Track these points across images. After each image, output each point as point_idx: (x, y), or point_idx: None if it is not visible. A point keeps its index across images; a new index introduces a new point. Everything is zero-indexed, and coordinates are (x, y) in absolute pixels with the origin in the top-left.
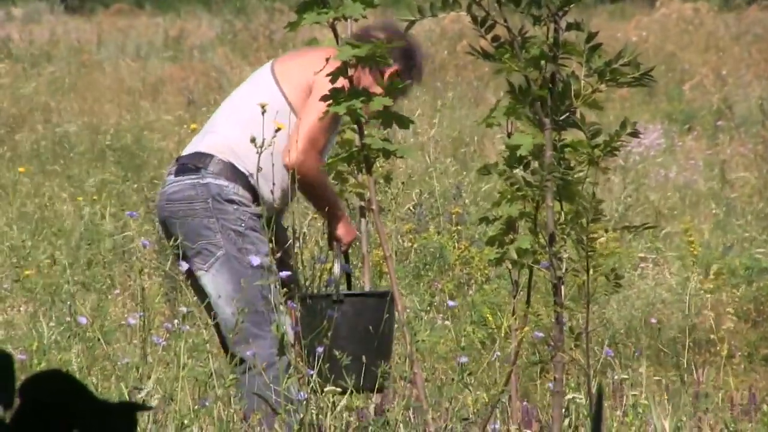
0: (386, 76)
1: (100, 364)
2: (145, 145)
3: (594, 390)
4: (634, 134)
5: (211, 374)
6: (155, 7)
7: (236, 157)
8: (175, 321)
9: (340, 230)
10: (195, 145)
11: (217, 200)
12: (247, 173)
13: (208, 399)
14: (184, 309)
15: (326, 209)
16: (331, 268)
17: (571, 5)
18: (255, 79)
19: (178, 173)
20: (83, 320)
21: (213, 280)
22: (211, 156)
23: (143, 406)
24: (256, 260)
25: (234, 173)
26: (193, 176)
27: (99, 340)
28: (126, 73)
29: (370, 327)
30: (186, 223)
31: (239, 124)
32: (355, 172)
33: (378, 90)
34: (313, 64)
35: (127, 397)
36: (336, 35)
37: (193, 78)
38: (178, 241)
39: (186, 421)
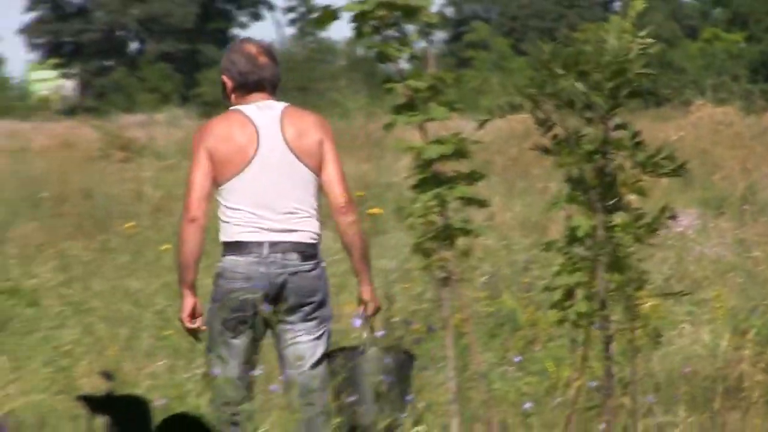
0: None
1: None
2: None
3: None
4: (672, 217)
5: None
6: None
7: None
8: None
9: (370, 294)
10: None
11: None
12: None
13: None
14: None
15: (366, 269)
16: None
17: (618, 109)
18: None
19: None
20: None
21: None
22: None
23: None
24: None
25: None
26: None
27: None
28: None
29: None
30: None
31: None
32: (439, 248)
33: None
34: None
35: None
36: (423, 133)
37: None
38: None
39: None
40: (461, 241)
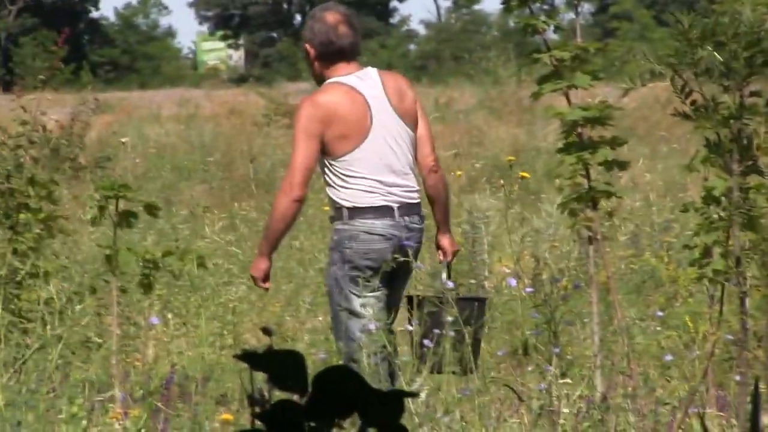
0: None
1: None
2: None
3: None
4: None
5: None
6: (430, 79)
7: None
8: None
9: (449, 241)
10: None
11: None
12: None
13: (468, 389)
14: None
15: (447, 219)
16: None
17: (753, 77)
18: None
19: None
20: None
21: None
22: None
23: (410, 393)
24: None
25: None
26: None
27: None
28: None
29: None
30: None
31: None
32: (584, 208)
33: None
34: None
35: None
36: (569, 100)
37: (458, 135)
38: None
39: (450, 407)
40: (605, 203)
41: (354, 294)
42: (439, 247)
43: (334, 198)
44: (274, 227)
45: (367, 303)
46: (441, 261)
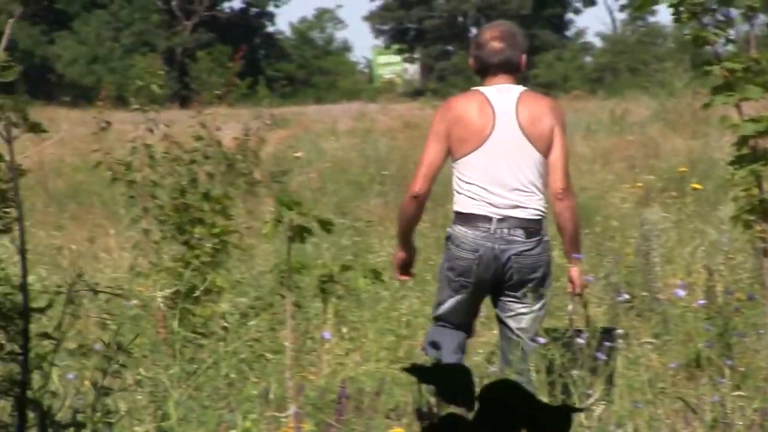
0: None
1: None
2: (597, 201)
3: None
4: None
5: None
6: (605, 91)
7: None
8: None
9: (577, 274)
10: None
11: None
12: None
13: (640, 402)
14: (621, 331)
15: (575, 251)
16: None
17: None
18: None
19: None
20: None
21: None
22: None
23: (577, 408)
24: None
25: None
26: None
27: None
28: (579, 145)
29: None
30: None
31: None
32: (758, 220)
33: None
34: (546, 116)
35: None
36: (740, 112)
37: (633, 148)
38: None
39: (622, 420)
40: None
41: (441, 290)
42: (569, 279)
43: (453, 200)
44: (398, 222)
45: (443, 302)
46: (569, 293)
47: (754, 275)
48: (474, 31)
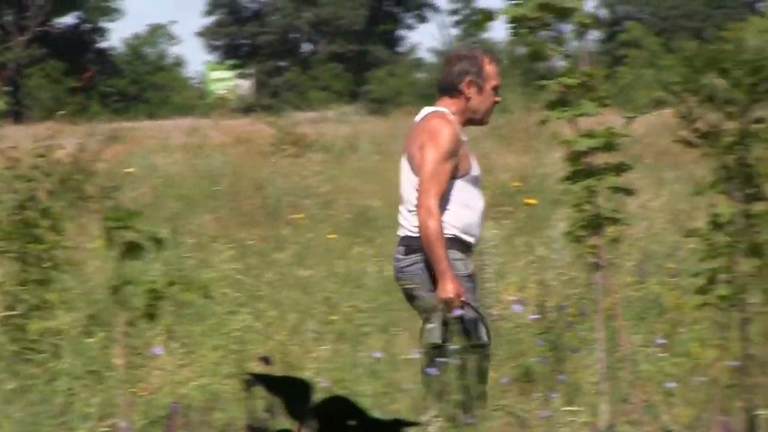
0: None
1: (390, 389)
2: None
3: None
4: None
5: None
6: None
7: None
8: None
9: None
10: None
11: None
12: None
13: (473, 418)
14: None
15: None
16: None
17: (757, 104)
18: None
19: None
20: (377, 354)
21: None
22: None
23: (409, 423)
24: None
25: None
26: None
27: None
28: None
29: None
30: None
31: None
32: (590, 235)
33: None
34: (418, 136)
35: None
36: (575, 127)
37: None
38: None
39: None
40: (611, 229)
41: None
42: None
43: None
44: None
45: None
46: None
47: (585, 290)
48: (307, 47)
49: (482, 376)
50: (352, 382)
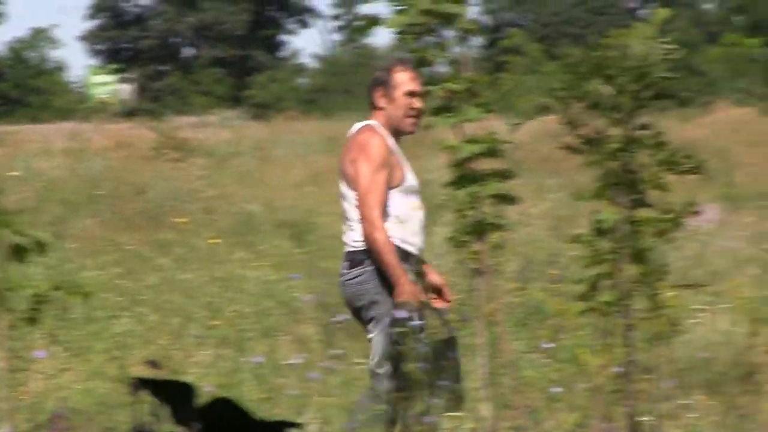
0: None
1: (272, 394)
2: (311, 221)
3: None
4: (695, 213)
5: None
6: (319, 113)
7: None
8: (328, 361)
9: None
10: None
11: None
12: None
13: (353, 422)
14: (337, 351)
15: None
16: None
17: (641, 110)
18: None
19: None
20: (260, 359)
21: None
22: None
23: (291, 424)
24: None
25: None
26: None
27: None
28: (295, 166)
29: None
30: None
31: None
32: (473, 241)
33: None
34: (349, 151)
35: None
36: (459, 134)
37: None
38: None
39: None
40: (494, 235)
41: None
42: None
43: None
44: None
45: None
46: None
47: (467, 296)
48: (189, 51)
49: (449, 373)
50: (235, 387)
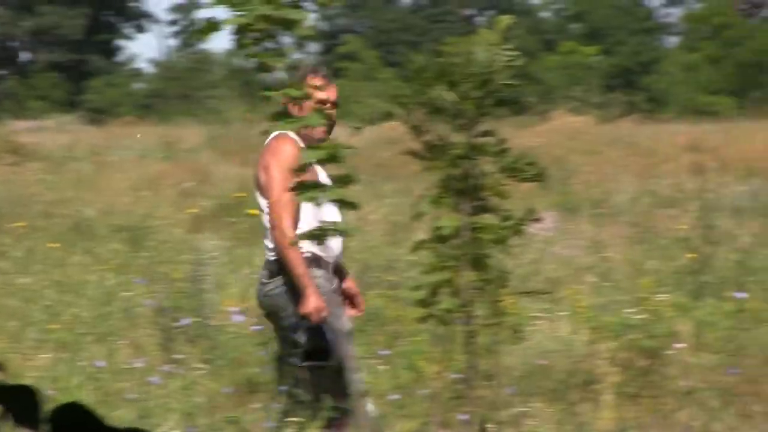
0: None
1: (112, 398)
2: (147, 225)
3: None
4: (536, 220)
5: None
6: (155, 118)
7: None
8: (167, 366)
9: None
10: None
11: None
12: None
13: (196, 427)
14: (177, 356)
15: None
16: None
17: (484, 117)
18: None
19: None
20: (100, 363)
21: None
22: None
23: (140, 431)
24: None
25: None
26: None
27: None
28: (131, 170)
29: None
30: None
31: None
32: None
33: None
34: (261, 158)
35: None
36: (300, 139)
37: (184, 174)
38: None
39: None
40: None
41: None
42: None
43: None
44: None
45: None
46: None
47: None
48: (25, 56)
49: (340, 388)
50: (74, 391)
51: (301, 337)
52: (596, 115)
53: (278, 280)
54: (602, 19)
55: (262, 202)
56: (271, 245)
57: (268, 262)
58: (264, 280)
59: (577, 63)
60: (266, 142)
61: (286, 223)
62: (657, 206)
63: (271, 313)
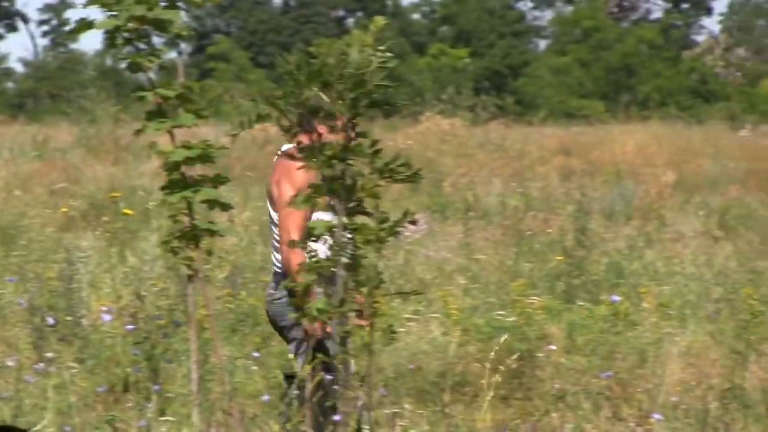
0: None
1: None
2: (19, 224)
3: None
4: (413, 222)
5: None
6: (26, 117)
7: None
8: (42, 364)
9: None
10: None
11: None
12: None
13: (69, 426)
14: (50, 354)
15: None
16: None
17: (358, 118)
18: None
19: None
20: None
21: None
22: None
23: (20, 430)
24: None
25: None
26: None
27: None
28: (3, 170)
29: None
30: None
31: None
32: (185, 247)
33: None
34: (276, 173)
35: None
36: (173, 138)
37: (55, 173)
38: None
39: None
40: (205, 241)
41: None
42: None
43: None
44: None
45: None
46: None
47: (178, 301)
48: None
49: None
50: None
51: (306, 351)
52: (466, 117)
53: (283, 292)
54: (472, 21)
55: (274, 215)
56: (279, 256)
57: (275, 273)
58: (271, 291)
59: (447, 65)
60: (277, 156)
61: (296, 237)
62: (528, 209)
63: (275, 323)
